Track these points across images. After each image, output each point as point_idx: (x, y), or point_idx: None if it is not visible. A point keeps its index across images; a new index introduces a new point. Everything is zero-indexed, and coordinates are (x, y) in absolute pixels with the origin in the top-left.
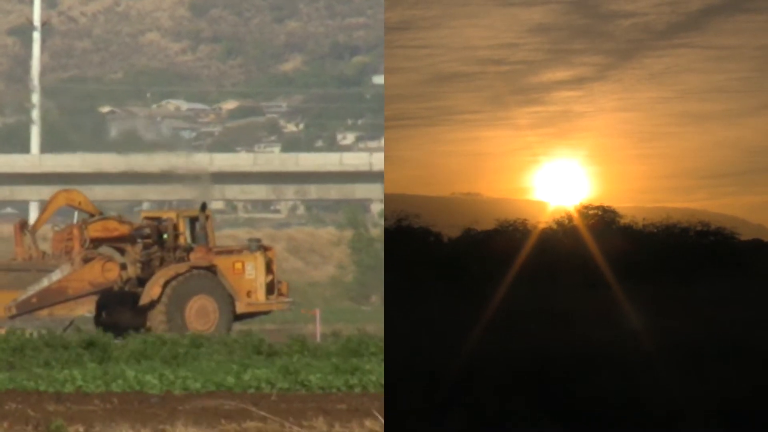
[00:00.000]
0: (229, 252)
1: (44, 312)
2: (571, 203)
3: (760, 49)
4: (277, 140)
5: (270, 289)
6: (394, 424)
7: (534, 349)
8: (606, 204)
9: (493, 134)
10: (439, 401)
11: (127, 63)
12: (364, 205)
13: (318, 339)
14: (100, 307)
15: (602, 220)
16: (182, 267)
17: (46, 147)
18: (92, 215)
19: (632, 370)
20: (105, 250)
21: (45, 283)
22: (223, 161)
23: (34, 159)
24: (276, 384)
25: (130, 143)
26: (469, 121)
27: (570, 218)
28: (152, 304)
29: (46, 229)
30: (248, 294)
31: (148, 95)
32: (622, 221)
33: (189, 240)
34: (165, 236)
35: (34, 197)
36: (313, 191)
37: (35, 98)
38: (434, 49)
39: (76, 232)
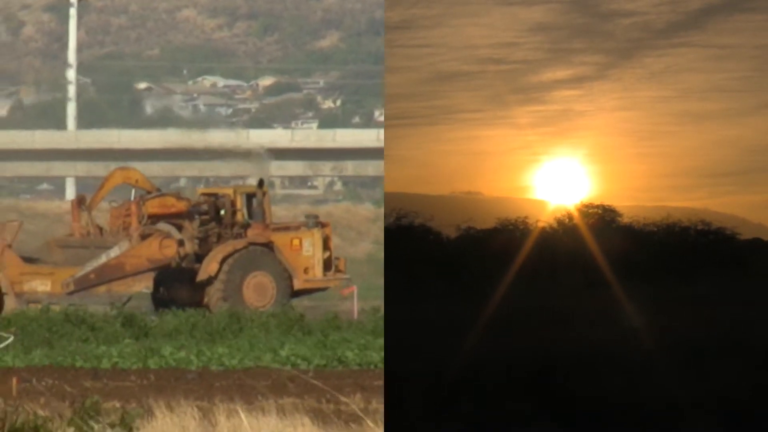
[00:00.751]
0: (286, 228)
1: (102, 288)
2: (571, 202)
3: (760, 49)
4: (314, 117)
5: (327, 265)
6: (395, 424)
7: (534, 348)
8: (606, 203)
9: (494, 133)
10: (439, 400)
11: (164, 39)
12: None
13: (355, 316)
14: (158, 283)
15: (602, 219)
16: (240, 243)
17: (83, 123)
18: (149, 192)
19: (632, 369)
20: (162, 226)
21: (103, 259)
22: (260, 137)
23: (70, 135)
24: (313, 360)
25: (166, 120)
26: (469, 120)
27: (570, 217)
28: (210, 281)
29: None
30: (306, 270)
31: (185, 72)
32: (623, 220)
33: (246, 216)
34: (222, 212)
35: (70, 173)
36: (350, 167)
37: (71, 75)
38: (435, 48)
39: (133, 208)
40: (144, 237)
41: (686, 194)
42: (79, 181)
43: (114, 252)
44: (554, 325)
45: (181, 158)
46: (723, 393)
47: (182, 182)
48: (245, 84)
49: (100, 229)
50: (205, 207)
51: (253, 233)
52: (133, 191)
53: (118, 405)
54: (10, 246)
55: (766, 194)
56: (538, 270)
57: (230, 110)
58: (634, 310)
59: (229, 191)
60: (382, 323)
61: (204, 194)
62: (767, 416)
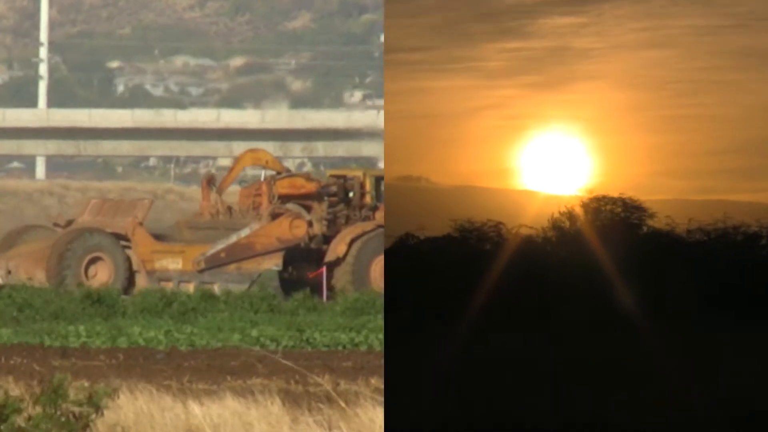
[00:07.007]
0: None
1: (232, 267)
2: (571, 193)
3: None
4: (285, 97)
5: None
6: (396, 418)
7: (536, 346)
8: (626, 196)
9: (447, 84)
10: (441, 395)
11: (136, 18)
12: (371, 162)
13: (324, 298)
14: (286, 263)
15: (622, 220)
16: (368, 225)
17: (54, 102)
18: (279, 173)
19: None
20: (292, 206)
21: (233, 238)
22: (231, 118)
23: (41, 113)
24: (281, 341)
25: (137, 99)
26: (406, 63)
27: (572, 217)
28: (338, 262)
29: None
30: None
31: (156, 51)
32: (653, 222)
33: (375, 199)
34: (351, 194)
35: (40, 151)
36: (321, 148)
37: (43, 53)
38: None
39: (264, 188)
40: (274, 216)
41: (751, 183)
42: (50, 160)
43: (245, 232)
44: (543, 389)
45: (152, 137)
46: None
47: (152, 161)
48: (216, 64)
49: (230, 208)
50: (334, 188)
51: (381, 216)
52: (263, 172)
53: (86, 384)
54: (141, 224)
55: None
56: (520, 302)
57: (201, 90)
58: (673, 370)
59: (359, 173)
60: (350, 306)
61: (333, 176)
62: None
